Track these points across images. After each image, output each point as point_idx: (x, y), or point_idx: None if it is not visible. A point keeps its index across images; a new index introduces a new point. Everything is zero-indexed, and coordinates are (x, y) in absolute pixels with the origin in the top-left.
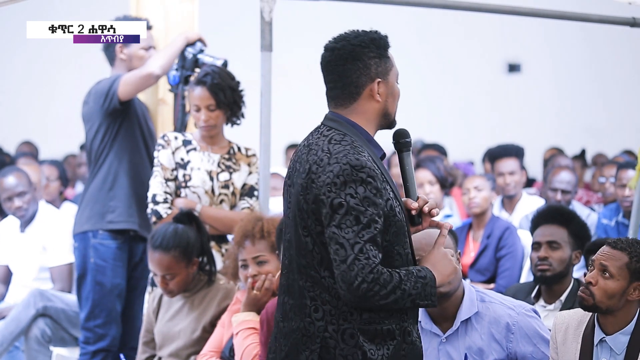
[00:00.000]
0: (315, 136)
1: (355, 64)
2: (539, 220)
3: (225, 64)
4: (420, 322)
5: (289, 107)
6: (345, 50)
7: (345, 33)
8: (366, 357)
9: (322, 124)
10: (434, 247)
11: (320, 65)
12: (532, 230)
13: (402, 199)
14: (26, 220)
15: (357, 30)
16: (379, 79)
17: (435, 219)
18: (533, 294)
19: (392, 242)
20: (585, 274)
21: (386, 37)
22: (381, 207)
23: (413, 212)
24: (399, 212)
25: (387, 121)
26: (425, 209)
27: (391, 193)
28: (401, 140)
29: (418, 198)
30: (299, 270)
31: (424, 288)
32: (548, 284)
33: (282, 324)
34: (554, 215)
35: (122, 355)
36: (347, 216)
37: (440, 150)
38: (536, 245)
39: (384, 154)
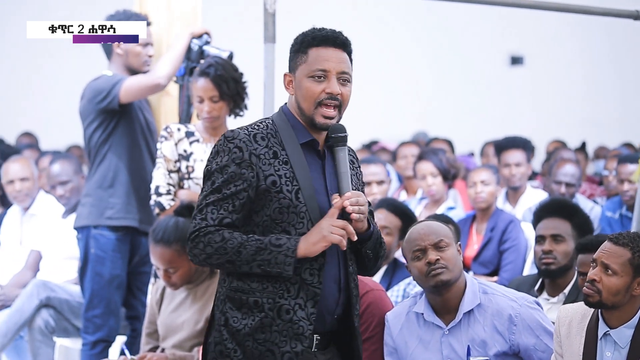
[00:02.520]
0: None
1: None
2: (542, 213)
3: (230, 56)
4: (422, 314)
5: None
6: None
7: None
8: (228, 323)
9: None
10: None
11: None
12: (535, 223)
13: (333, 195)
14: (69, 209)
15: (318, 27)
16: (287, 72)
17: (438, 211)
18: (536, 287)
19: (274, 219)
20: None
21: (318, 34)
22: (245, 177)
23: (334, 207)
24: (289, 190)
25: (303, 116)
26: (348, 207)
27: (286, 172)
28: (332, 135)
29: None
30: None
31: (275, 255)
32: (552, 277)
33: None
34: (557, 208)
35: (124, 346)
36: (207, 181)
37: (448, 143)
38: (540, 239)
39: (313, 139)
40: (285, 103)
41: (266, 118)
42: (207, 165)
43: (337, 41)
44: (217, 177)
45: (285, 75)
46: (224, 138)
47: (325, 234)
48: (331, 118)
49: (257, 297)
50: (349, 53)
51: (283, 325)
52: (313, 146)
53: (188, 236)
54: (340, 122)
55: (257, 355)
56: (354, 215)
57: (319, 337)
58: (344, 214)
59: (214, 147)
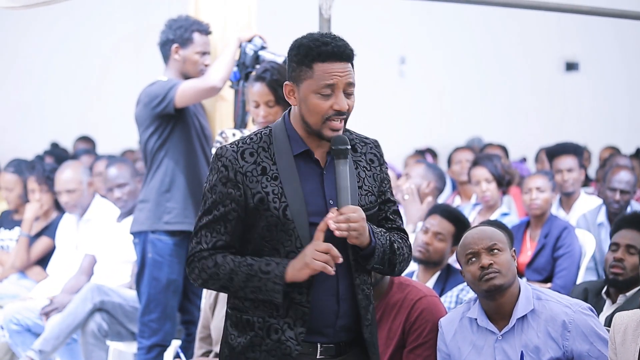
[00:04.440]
0: None
1: (289, 63)
2: (622, 223)
3: (285, 61)
4: (476, 319)
5: None
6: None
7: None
8: (227, 339)
9: None
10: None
11: None
12: (613, 232)
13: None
14: (125, 212)
15: (312, 33)
16: (289, 82)
17: (492, 217)
18: (603, 292)
19: (263, 236)
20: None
21: (324, 51)
22: (232, 197)
23: (317, 230)
24: (276, 208)
25: (308, 128)
26: (331, 226)
27: (274, 189)
28: (334, 147)
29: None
30: None
31: (264, 283)
32: (617, 288)
33: None
34: (638, 221)
35: (179, 349)
36: (202, 201)
37: (502, 149)
38: (614, 247)
39: (307, 149)
40: (289, 110)
41: (267, 127)
42: (204, 183)
43: (343, 55)
44: (207, 198)
45: (285, 85)
46: (214, 156)
47: (308, 261)
48: (338, 130)
49: (249, 315)
50: (352, 61)
51: (272, 344)
52: (310, 156)
53: (185, 260)
54: (345, 133)
55: None
56: (337, 233)
57: (323, 346)
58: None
59: (210, 164)
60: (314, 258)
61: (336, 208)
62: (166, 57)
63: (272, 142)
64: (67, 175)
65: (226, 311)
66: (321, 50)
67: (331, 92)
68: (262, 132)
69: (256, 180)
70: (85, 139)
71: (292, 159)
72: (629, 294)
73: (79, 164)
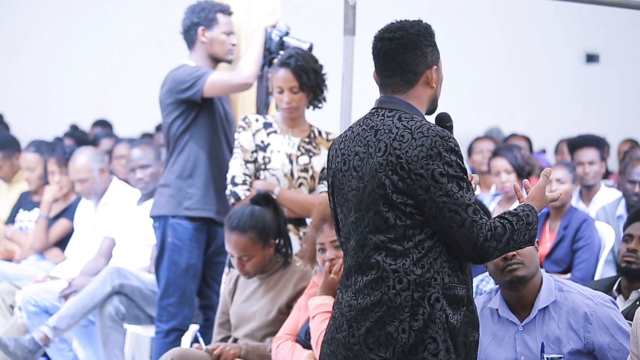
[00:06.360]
0: (377, 118)
1: (414, 52)
2: (637, 216)
3: (310, 47)
4: (497, 310)
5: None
6: (405, 39)
7: (399, 23)
8: (447, 319)
9: (379, 107)
10: (537, 186)
11: (376, 55)
12: (628, 224)
13: None
14: (146, 194)
15: (409, 20)
16: (435, 66)
17: (512, 207)
18: (614, 288)
19: None
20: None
21: (431, 26)
22: (466, 173)
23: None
24: None
25: (433, 107)
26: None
27: None
28: (445, 124)
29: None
30: (376, 246)
31: (530, 232)
32: (630, 276)
33: (354, 301)
34: None
35: (198, 333)
36: (450, 184)
37: (526, 140)
38: (628, 237)
39: None
40: (409, 102)
41: (409, 114)
42: (433, 169)
43: None
44: (458, 178)
45: (434, 70)
46: (440, 138)
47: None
48: None
49: (460, 290)
50: None
51: (470, 315)
52: None
53: (479, 240)
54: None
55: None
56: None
57: None
58: None
59: (431, 149)
60: None
61: None
62: (191, 42)
63: None
64: (78, 164)
65: (436, 294)
66: (432, 28)
67: None
68: (417, 117)
69: None
70: (103, 122)
71: None
72: None
73: (91, 150)
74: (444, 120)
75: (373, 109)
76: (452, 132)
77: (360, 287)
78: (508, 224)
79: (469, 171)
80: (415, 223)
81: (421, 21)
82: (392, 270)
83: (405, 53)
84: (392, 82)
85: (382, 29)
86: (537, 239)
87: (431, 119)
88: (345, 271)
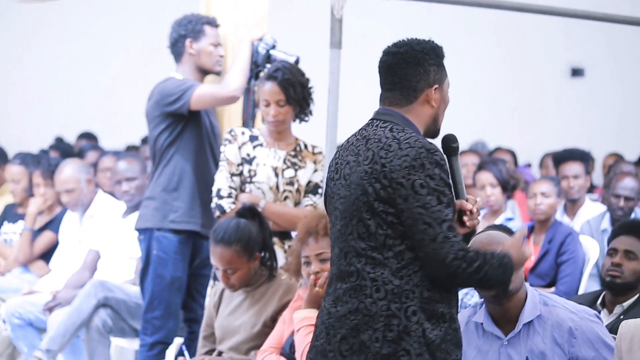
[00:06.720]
0: (371, 128)
1: (416, 68)
2: (621, 230)
3: (297, 61)
4: (482, 324)
5: (356, 105)
6: (408, 54)
7: (407, 39)
8: (424, 334)
9: (374, 118)
10: (513, 239)
11: (380, 68)
12: (612, 238)
13: (457, 201)
14: (132, 207)
15: (417, 38)
16: (436, 86)
17: (497, 221)
18: (599, 302)
19: None
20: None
21: (442, 47)
22: (450, 190)
23: (470, 213)
24: None
25: (434, 128)
26: (474, 209)
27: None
28: (452, 145)
29: (467, 199)
30: (357, 254)
31: (504, 273)
32: (614, 291)
33: (333, 309)
34: (637, 228)
35: (183, 347)
36: (429, 196)
37: (511, 154)
38: (612, 251)
39: None
40: (406, 116)
41: (402, 127)
42: (414, 180)
43: None
44: (439, 192)
45: (435, 89)
46: (425, 151)
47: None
48: None
49: (441, 307)
50: None
51: (452, 333)
52: None
53: (448, 257)
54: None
55: None
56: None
57: None
58: (461, 220)
59: (415, 159)
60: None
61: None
62: (178, 54)
63: None
64: (65, 174)
65: (413, 307)
66: (441, 48)
67: None
68: (410, 129)
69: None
70: (88, 135)
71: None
72: (625, 303)
73: (77, 161)
74: (450, 141)
75: (370, 120)
76: (457, 153)
77: (340, 295)
78: (482, 254)
79: (475, 197)
80: (396, 233)
81: (431, 41)
82: (370, 278)
83: (407, 68)
84: (392, 96)
85: (391, 44)
86: None
87: (437, 141)
88: (329, 279)
